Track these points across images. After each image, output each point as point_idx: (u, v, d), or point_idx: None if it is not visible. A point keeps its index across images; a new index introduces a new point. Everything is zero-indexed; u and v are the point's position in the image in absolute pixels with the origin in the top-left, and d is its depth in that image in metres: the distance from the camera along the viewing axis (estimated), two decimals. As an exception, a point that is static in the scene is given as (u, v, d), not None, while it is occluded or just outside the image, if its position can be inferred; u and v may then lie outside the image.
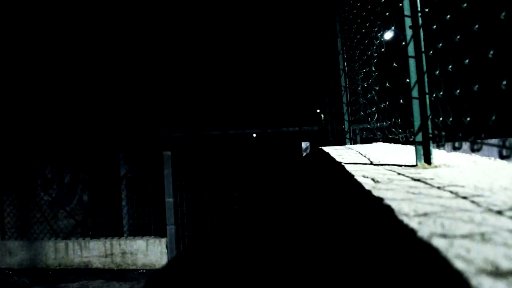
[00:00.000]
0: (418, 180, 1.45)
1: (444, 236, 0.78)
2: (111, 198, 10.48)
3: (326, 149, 3.52)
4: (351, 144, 4.34)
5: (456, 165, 1.83)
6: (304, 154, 7.45)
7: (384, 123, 2.56)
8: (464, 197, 1.10)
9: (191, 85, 14.56)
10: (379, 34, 2.44)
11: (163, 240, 7.61)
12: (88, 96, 9.68)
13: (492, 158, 1.98)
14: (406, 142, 2.36)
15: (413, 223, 0.87)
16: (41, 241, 7.54)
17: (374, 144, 3.77)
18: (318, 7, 6.20)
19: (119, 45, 10.64)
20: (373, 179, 1.53)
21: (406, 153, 2.59)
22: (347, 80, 4.38)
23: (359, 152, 2.86)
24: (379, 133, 2.79)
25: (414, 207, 1.01)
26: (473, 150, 1.37)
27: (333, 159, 2.47)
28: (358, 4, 3.00)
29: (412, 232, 0.83)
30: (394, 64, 2.20)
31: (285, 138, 8.59)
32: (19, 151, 8.13)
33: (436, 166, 1.80)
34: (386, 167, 1.93)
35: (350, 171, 1.79)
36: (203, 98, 16.22)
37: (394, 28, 2.21)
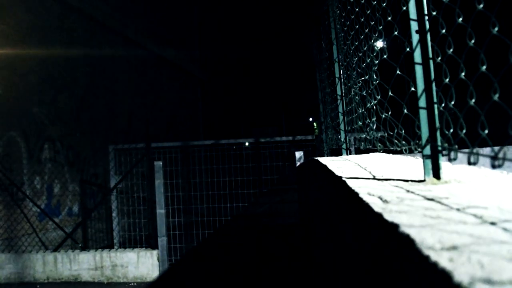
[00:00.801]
0: (432, 199, 1.30)
1: (488, 282, 0.63)
2: (101, 209, 10.30)
3: (323, 160, 3.38)
4: (347, 154, 4.20)
5: (467, 180, 1.68)
6: (298, 163, 7.33)
7: (385, 133, 2.42)
8: (493, 223, 0.96)
9: (185, 95, 14.45)
10: (380, 40, 2.30)
11: (155, 252, 7.45)
12: (78, 105, 9.52)
13: (505, 172, 1.84)
14: (409, 152, 2.22)
15: (443, 260, 0.73)
16: (29, 254, 7.36)
17: (372, 155, 3.63)
18: (312, 14, 6.08)
19: (110, 51, 10.49)
20: (380, 198, 1.38)
21: (409, 165, 2.45)
22: (343, 88, 4.25)
23: (358, 165, 2.72)
24: (379, 144, 2.64)
25: (438, 237, 0.86)
26: (494, 166, 1.22)
27: (332, 173, 2.32)
28: (357, 9, 2.87)
29: (445, 275, 0.67)
30: (398, 72, 2.06)
31: (279, 147, 8.47)
32: (6, 161, 7.95)
33: (446, 182, 1.66)
34: (392, 182, 1.78)
35: (353, 188, 1.64)
36: (198, 107, 16.09)
37: (398, 33, 2.08)
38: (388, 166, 2.49)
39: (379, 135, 2.73)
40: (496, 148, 1.25)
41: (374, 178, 1.94)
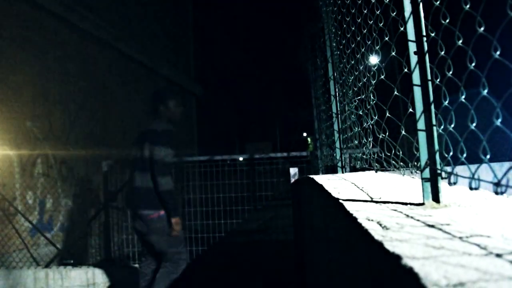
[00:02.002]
0: (433, 226, 1.26)
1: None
2: (94, 225, 10.20)
3: (319, 179, 3.34)
4: (343, 172, 4.17)
5: (468, 204, 1.66)
6: (293, 180, 7.30)
7: (381, 153, 2.39)
8: (499, 255, 0.92)
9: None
10: (375, 57, 2.28)
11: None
12: (72, 120, 9.48)
13: (505, 195, 1.81)
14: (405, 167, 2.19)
15: (451, 301, 0.69)
16: (20, 270, 7.25)
17: (368, 173, 3.60)
18: (308, 31, 6.09)
19: (104, 66, 10.48)
20: (380, 224, 1.35)
21: (407, 186, 2.42)
22: (339, 106, 4.23)
23: (355, 185, 2.69)
24: (376, 164, 2.62)
25: (443, 271, 0.83)
26: (496, 193, 1.20)
27: (329, 193, 2.29)
28: (353, 28, 2.86)
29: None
30: (396, 93, 2.04)
31: (273, 163, 8.44)
32: (-2, 177, 7.87)
33: (446, 206, 1.63)
34: (390, 205, 1.75)
35: (351, 212, 1.60)
36: (193, 122, 16.07)
37: (395, 53, 2.06)
38: (385, 187, 2.46)
39: (375, 154, 2.71)
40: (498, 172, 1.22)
41: (372, 201, 1.91)
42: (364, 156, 2.96)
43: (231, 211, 8.26)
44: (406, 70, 1.90)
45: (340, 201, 1.90)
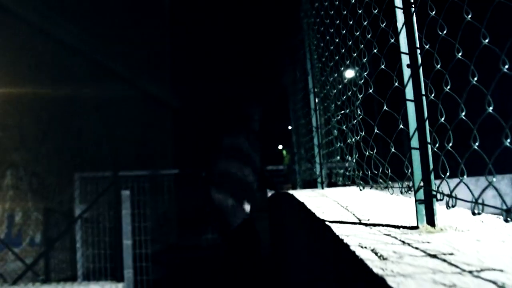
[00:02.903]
0: (435, 256, 1.14)
1: None
2: (65, 239, 9.93)
3: (299, 196, 3.22)
4: (322, 188, 4.05)
5: (465, 229, 1.54)
6: (270, 194, 7.19)
7: (368, 171, 2.28)
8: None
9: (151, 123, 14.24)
10: (364, 74, 2.18)
11: (120, 285, 7.12)
12: (44, 131, 9.22)
13: (501, 217, 1.71)
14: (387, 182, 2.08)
15: None
16: (-14, 288, 6.98)
17: (349, 190, 3.49)
18: (287, 43, 6.00)
19: (78, 75, 10.25)
20: (375, 253, 1.23)
21: (394, 205, 2.31)
22: (318, 120, 4.12)
23: (338, 203, 2.57)
24: (361, 182, 2.50)
25: (466, 320, 0.71)
26: (507, 220, 1.08)
27: (312, 214, 2.16)
28: (337, 40, 2.76)
29: None
30: (386, 108, 1.93)
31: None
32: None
33: (442, 230, 1.51)
34: (382, 229, 1.63)
35: (341, 237, 1.48)
36: (169, 135, 15.87)
37: (384, 66, 1.95)
38: (371, 206, 2.35)
39: (360, 171, 2.60)
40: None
41: (361, 223, 1.79)
42: (348, 173, 2.84)
43: (206, 226, 8.10)
44: (397, 84, 1.80)
45: (327, 223, 1.78)
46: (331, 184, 4.20)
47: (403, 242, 1.36)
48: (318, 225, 1.96)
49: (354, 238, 1.44)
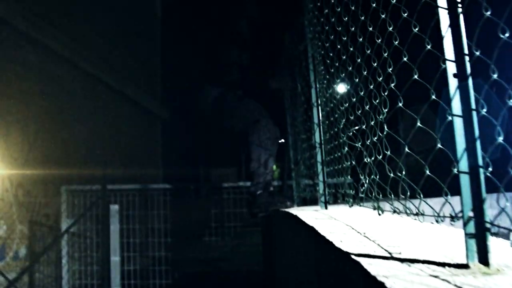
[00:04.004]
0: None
1: None
2: (51, 253, 9.60)
3: (304, 217, 2.96)
4: (326, 208, 3.79)
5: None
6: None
7: (391, 195, 2.03)
8: None
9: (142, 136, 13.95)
10: (392, 85, 1.94)
11: (106, 304, 6.87)
12: (31, 141, 8.92)
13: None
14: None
15: None
16: (-35, 304, 6.68)
17: (355, 210, 3.23)
18: (285, 54, 5.79)
19: (65, 84, 9.97)
20: (434, 305, 0.97)
21: (416, 232, 2.06)
22: (322, 136, 3.87)
23: (352, 228, 2.32)
24: (376, 204, 2.25)
25: None
26: None
27: (327, 241, 1.91)
28: (351, 49, 2.52)
29: None
30: (419, 124, 1.69)
31: (242, 192, 8.05)
32: None
33: (499, 271, 1.26)
34: (422, 267, 1.37)
35: (379, 279, 1.22)
36: (158, 147, 15.60)
37: (417, 76, 1.71)
38: (392, 233, 2.09)
39: (379, 194, 2.35)
40: None
41: (393, 258, 1.53)
42: (362, 194, 2.59)
43: (196, 243, 7.87)
44: (433, 97, 1.57)
45: (354, 257, 1.52)
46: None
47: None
48: (338, 257, 1.71)
49: (397, 282, 1.19)
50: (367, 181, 2.41)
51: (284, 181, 7.47)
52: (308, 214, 3.27)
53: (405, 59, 1.79)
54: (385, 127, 2.10)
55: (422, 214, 1.79)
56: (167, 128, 16.89)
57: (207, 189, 8.38)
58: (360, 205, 2.46)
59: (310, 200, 5.31)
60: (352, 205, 3.06)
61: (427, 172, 1.65)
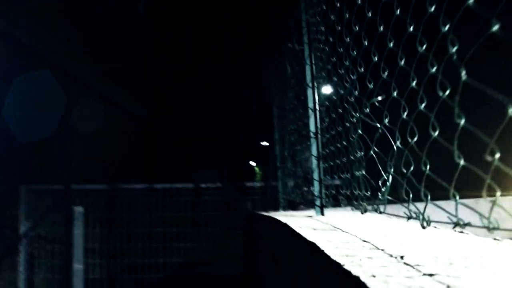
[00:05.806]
0: None
1: None
2: (15, 258, 8.86)
3: (297, 226, 2.24)
4: (322, 214, 3.04)
5: None
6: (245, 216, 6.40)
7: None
8: None
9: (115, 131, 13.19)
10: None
11: (68, 316, 6.17)
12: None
13: None
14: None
15: None
16: None
17: (361, 218, 2.50)
18: (272, 34, 5.10)
19: (33, 77, 9.17)
20: None
21: (447, 248, 1.33)
22: (318, 123, 3.15)
23: (363, 240, 1.60)
24: (411, 210, 1.52)
25: None
26: None
27: (340, 266, 1.19)
28: (364, 42, 1.82)
29: None
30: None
31: (223, 194, 7.43)
32: None
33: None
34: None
35: None
36: (137, 147, 14.93)
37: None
38: (416, 247, 1.36)
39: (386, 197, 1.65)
40: None
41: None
42: (381, 197, 1.86)
43: (171, 249, 7.20)
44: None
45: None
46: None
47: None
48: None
49: None
50: (389, 178, 1.69)
51: (267, 182, 6.80)
52: (301, 223, 2.52)
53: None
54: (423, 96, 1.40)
55: (465, 225, 1.07)
56: (147, 129, 16.23)
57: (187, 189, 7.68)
58: (380, 212, 1.74)
59: (297, 204, 4.66)
60: (364, 211, 2.31)
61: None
